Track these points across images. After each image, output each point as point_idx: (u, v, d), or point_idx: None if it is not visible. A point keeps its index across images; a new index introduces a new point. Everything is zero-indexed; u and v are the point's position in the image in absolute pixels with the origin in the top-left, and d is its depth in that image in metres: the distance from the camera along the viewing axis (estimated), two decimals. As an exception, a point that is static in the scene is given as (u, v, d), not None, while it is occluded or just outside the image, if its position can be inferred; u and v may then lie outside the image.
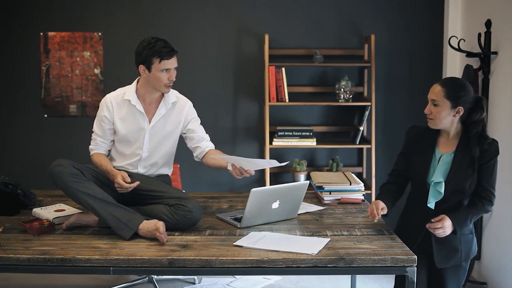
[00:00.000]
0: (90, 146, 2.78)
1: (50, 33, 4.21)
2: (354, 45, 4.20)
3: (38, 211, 2.65)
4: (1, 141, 4.30)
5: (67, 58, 4.22)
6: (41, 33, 4.21)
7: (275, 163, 2.48)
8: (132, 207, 2.52)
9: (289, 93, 4.02)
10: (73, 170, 2.44)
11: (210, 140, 2.86)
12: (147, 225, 2.32)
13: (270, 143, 4.02)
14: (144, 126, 2.72)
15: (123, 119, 2.72)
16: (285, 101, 3.98)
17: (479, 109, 2.27)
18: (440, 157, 2.35)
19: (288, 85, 4.03)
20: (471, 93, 2.28)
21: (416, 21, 4.17)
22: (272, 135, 4.07)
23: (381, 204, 2.39)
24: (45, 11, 4.20)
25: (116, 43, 4.21)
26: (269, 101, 3.97)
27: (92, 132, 2.79)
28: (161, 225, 2.28)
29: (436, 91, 2.30)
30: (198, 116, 2.86)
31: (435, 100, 2.30)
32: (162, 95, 2.75)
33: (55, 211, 2.65)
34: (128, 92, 2.73)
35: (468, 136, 2.30)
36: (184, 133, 2.83)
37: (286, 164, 2.43)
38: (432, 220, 2.27)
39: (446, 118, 2.30)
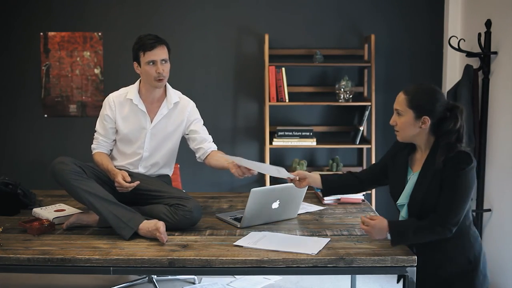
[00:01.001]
0: (92, 145, 2.78)
1: (50, 33, 4.21)
2: (354, 45, 4.20)
3: (38, 211, 2.65)
4: (1, 141, 4.30)
5: (67, 58, 4.22)
6: (41, 33, 4.21)
7: (284, 173, 2.41)
8: (132, 207, 2.52)
9: (289, 93, 4.02)
10: (75, 168, 2.44)
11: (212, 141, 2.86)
12: (147, 225, 2.31)
13: (270, 143, 4.02)
14: (146, 126, 2.72)
15: (125, 118, 2.72)
16: (285, 101, 3.98)
17: (452, 118, 2.01)
18: (411, 176, 2.14)
19: (288, 85, 4.03)
20: (440, 101, 2.03)
21: (416, 21, 4.17)
22: (272, 135, 4.07)
23: (306, 174, 2.38)
24: (45, 11, 4.20)
25: (116, 43, 4.21)
26: (269, 101, 3.97)
27: (95, 131, 2.79)
28: (161, 225, 2.27)
29: (399, 100, 2.09)
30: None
31: (398, 110, 2.08)
32: (165, 95, 2.75)
33: (55, 211, 2.65)
34: (130, 91, 2.73)
35: (437, 149, 2.04)
36: (187, 134, 2.82)
37: (289, 178, 2.41)
38: (367, 216, 2.13)
39: (411, 130, 2.06)
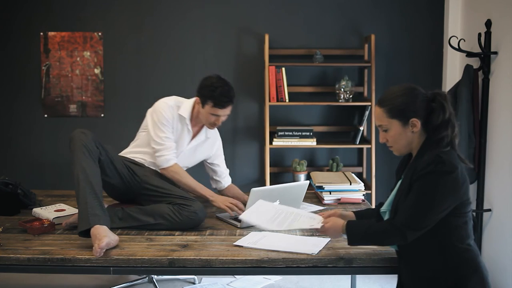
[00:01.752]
0: (166, 156, 2.71)
1: (50, 33, 4.21)
2: (354, 45, 4.20)
3: (38, 211, 2.65)
4: (1, 141, 4.30)
5: (67, 58, 4.22)
6: (41, 33, 4.20)
7: (316, 221, 2.12)
8: (135, 207, 2.54)
9: (289, 93, 4.01)
10: (91, 144, 2.40)
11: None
12: (101, 231, 2.17)
13: (270, 143, 4.02)
14: (184, 144, 2.82)
15: (175, 129, 2.79)
16: (285, 101, 3.98)
17: (439, 108, 1.84)
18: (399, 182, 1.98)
19: (288, 85, 4.03)
20: (418, 96, 1.88)
21: (416, 21, 4.17)
22: (272, 135, 4.07)
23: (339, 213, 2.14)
24: (45, 11, 4.20)
25: (116, 43, 4.21)
26: (269, 101, 3.97)
27: (161, 138, 2.72)
28: (106, 241, 2.11)
29: (378, 115, 1.91)
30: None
31: (382, 126, 1.91)
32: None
33: (55, 211, 2.65)
34: (184, 108, 2.78)
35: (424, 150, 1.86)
36: (208, 163, 3.00)
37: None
38: (324, 214, 2.05)
39: (405, 139, 1.88)
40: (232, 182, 3.09)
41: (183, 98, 2.86)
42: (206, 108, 2.69)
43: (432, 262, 1.82)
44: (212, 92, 2.64)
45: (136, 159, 2.79)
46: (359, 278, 3.31)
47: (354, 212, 2.21)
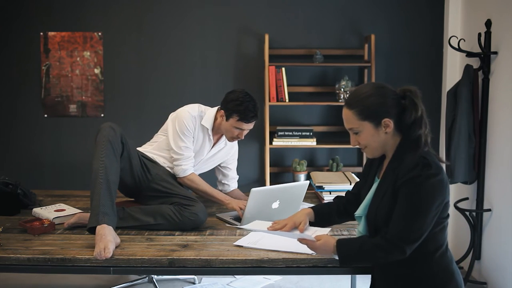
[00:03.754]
0: (183, 166, 2.73)
1: (50, 33, 4.21)
2: (354, 45, 4.20)
3: (38, 211, 2.65)
4: (1, 141, 4.30)
5: (67, 58, 4.22)
6: (41, 33, 4.21)
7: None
8: (135, 207, 2.54)
9: (289, 93, 4.02)
10: (117, 141, 2.42)
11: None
12: (107, 231, 2.18)
13: (270, 143, 4.02)
14: (204, 152, 2.86)
15: (196, 138, 2.81)
16: (285, 101, 3.98)
17: (411, 106, 1.73)
18: (374, 185, 1.87)
19: (288, 85, 4.03)
20: (388, 95, 1.77)
21: (416, 21, 4.17)
22: (272, 135, 4.07)
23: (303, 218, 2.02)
24: (45, 11, 4.20)
25: (116, 43, 4.21)
26: (269, 101, 3.97)
27: (180, 148, 2.73)
28: (112, 249, 2.10)
29: (347, 118, 1.79)
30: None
31: (352, 129, 1.79)
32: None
33: (55, 211, 2.65)
34: (206, 118, 2.79)
35: (401, 151, 1.76)
36: (221, 166, 3.02)
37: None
38: (314, 237, 1.87)
39: (378, 141, 1.77)
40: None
41: (206, 107, 2.85)
42: (231, 122, 2.71)
43: (408, 269, 1.76)
44: (238, 107, 2.67)
45: (154, 158, 2.82)
46: (359, 278, 3.30)
47: (313, 208, 2.12)
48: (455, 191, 3.94)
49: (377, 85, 1.80)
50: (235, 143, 3.02)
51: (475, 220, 3.45)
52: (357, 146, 1.84)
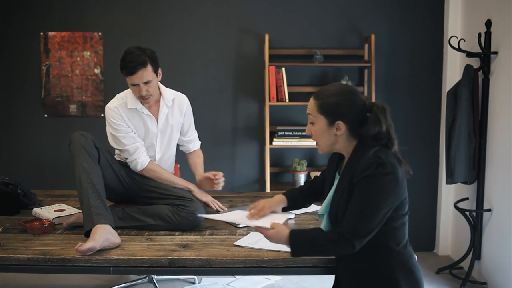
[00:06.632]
0: (136, 160, 2.66)
1: (50, 33, 4.21)
2: (354, 45, 4.20)
3: (38, 211, 2.65)
4: (1, 141, 4.30)
5: (67, 58, 4.22)
6: (41, 33, 4.20)
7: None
8: (135, 207, 2.54)
9: (289, 93, 4.01)
10: (91, 146, 2.42)
11: (203, 140, 2.98)
12: (101, 230, 2.17)
13: (270, 143, 4.02)
14: (153, 129, 2.75)
15: (134, 126, 2.72)
16: (285, 101, 3.98)
17: (374, 120, 1.75)
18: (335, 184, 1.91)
19: (288, 85, 4.03)
20: (354, 102, 1.79)
21: (416, 21, 4.17)
22: (272, 135, 4.07)
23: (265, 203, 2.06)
24: (45, 11, 4.19)
25: (116, 43, 4.20)
26: (269, 101, 3.97)
27: (121, 144, 2.68)
28: (90, 245, 2.08)
29: (310, 105, 1.84)
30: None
31: (309, 117, 1.84)
32: (160, 95, 2.77)
33: (55, 211, 2.65)
34: (129, 99, 2.70)
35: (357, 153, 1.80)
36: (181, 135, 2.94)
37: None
38: (269, 226, 1.88)
39: (327, 138, 1.82)
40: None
41: (127, 91, 2.74)
42: (127, 82, 2.61)
43: (368, 264, 1.79)
44: (121, 62, 2.58)
45: None
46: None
47: (285, 195, 2.14)
48: (455, 191, 3.94)
49: (347, 89, 1.84)
50: (182, 100, 2.85)
51: (475, 220, 3.45)
52: (309, 134, 1.89)
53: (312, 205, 2.90)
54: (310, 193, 2.17)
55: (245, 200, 3.03)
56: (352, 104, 1.79)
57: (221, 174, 2.71)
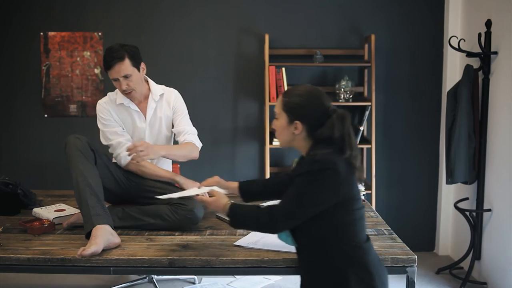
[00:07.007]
0: (120, 154, 2.67)
1: (50, 33, 4.21)
2: (354, 45, 4.20)
3: (38, 211, 2.65)
4: (1, 141, 4.30)
5: (67, 58, 4.22)
6: (41, 33, 4.20)
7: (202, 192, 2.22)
8: (134, 207, 2.54)
9: (289, 93, 4.01)
10: (86, 147, 2.44)
11: (198, 135, 2.88)
12: (101, 231, 2.18)
13: (270, 143, 4.02)
14: (141, 124, 2.76)
15: (123, 121, 2.76)
16: (285, 101, 3.98)
17: (328, 125, 1.83)
18: None
19: (288, 85, 4.02)
20: (316, 105, 1.88)
21: (416, 21, 4.17)
22: (272, 135, 4.07)
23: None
24: (45, 11, 4.19)
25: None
26: (269, 101, 3.97)
27: (107, 139, 2.71)
28: (93, 250, 2.09)
29: (278, 101, 1.95)
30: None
31: (275, 112, 1.96)
32: (149, 90, 2.80)
33: (55, 211, 2.65)
34: (118, 96, 2.75)
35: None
36: (173, 128, 2.90)
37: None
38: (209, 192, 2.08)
39: (286, 135, 1.92)
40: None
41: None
42: (110, 78, 2.65)
43: (318, 259, 1.86)
44: (103, 58, 2.63)
45: None
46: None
47: (240, 182, 2.27)
48: (455, 191, 3.94)
49: (313, 92, 1.91)
50: (170, 94, 2.85)
51: (475, 220, 3.45)
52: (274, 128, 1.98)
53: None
54: (269, 192, 2.25)
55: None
56: (314, 107, 1.88)
57: (143, 143, 2.49)
